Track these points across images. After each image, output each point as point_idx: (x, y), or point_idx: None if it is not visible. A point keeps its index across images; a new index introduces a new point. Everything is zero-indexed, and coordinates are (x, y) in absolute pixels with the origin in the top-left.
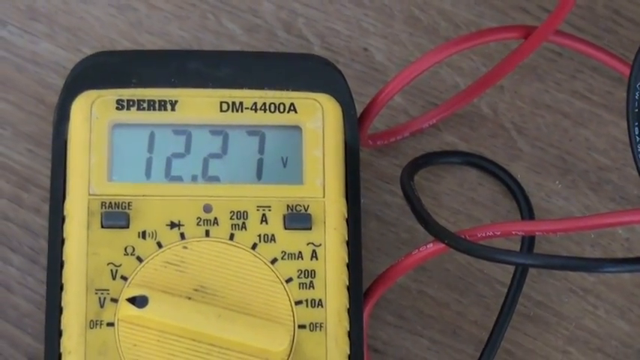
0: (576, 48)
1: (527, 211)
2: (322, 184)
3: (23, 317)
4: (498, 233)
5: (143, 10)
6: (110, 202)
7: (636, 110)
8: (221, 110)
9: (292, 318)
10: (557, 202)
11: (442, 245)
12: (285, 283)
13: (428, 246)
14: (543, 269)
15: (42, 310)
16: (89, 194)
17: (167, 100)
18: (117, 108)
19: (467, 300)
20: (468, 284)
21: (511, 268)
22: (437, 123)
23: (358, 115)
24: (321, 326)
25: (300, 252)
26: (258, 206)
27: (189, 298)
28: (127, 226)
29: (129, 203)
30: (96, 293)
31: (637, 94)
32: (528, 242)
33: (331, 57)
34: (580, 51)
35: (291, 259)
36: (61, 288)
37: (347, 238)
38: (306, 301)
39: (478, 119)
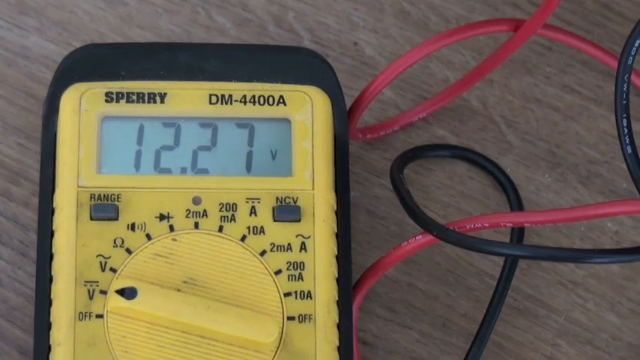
0: (566, 42)
1: (516, 204)
2: (311, 177)
3: (13, 310)
4: (487, 225)
5: (133, 4)
6: (99, 194)
7: (624, 102)
8: (210, 103)
9: (281, 310)
10: (546, 195)
11: (431, 237)
12: (274, 275)
13: (417, 238)
14: (533, 261)
15: (32, 303)
16: (78, 186)
17: (156, 92)
18: (106, 100)
19: (456, 293)
20: (457, 277)
21: (500, 261)
22: (427, 116)
23: (348, 108)
24: (310, 318)
25: (289, 244)
26: (247, 198)
27: (179, 290)
28: (116, 218)
29: (118, 195)
30: (85, 285)
31: (625, 85)
32: (518, 234)
33: (321, 51)
34: (570, 45)
35: (281, 251)
36: (51, 280)
37: (336, 230)
38: (295, 292)
39: (468, 113)
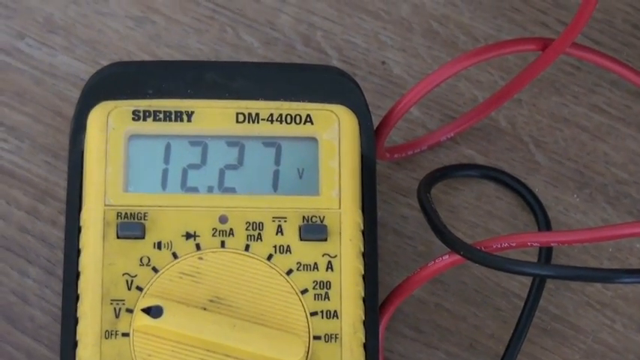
0: (594, 61)
1: (544, 224)
2: (338, 196)
3: (39, 329)
4: (514, 244)
5: (162, 22)
6: (126, 213)
7: None
8: (237, 121)
9: (307, 329)
10: (574, 215)
11: (458, 257)
12: (300, 294)
13: (444, 257)
14: (560, 282)
15: (58, 321)
16: (105, 205)
17: (183, 111)
18: (133, 119)
19: (483, 313)
20: (484, 297)
21: (528, 282)
22: (455, 136)
23: (375, 127)
24: (336, 337)
25: (315, 263)
26: (273, 217)
27: (205, 309)
28: (143, 237)
29: (144, 214)
30: (111, 303)
31: None
32: (545, 255)
33: (349, 70)
34: (598, 64)
35: (307, 270)
36: (77, 298)
37: (363, 250)
38: (322, 312)
39: (496, 132)
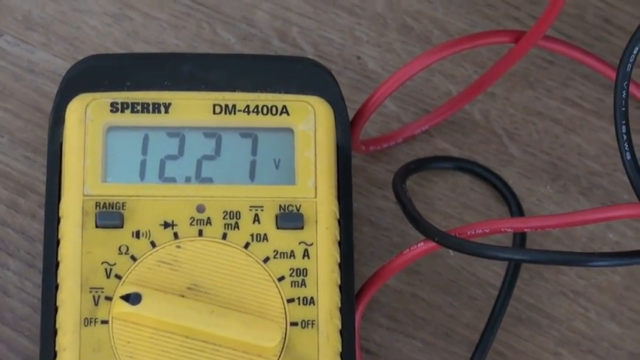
0: (567, 53)
1: (518, 215)
2: (314, 185)
3: (20, 320)
4: (487, 231)
5: (139, 19)
6: (104, 203)
7: (623, 109)
8: (214, 113)
9: (284, 315)
10: (548, 206)
11: (432, 244)
12: (277, 282)
13: (418, 245)
14: (534, 272)
15: (38, 313)
16: (84, 195)
17: (161, 102)
18: (111, 111)
19: (459, 303)
20: (460, 287)
21: (503, 272)
22: (429, 129)
23: (350, 119)
24: (312, 324)
25: (292, 251)
26: (250, 206)
27: (183, 296)
28: (121, 226)
29: (123, 203)
30: (90, 292)
31: (623, 93)
32: (519, 241)
33: (325, 65)
34: (571, 57)
35: (284, 257)
36: (57, 287)
37: (339, 238)
38: (298, 299)
39: (470, 126)
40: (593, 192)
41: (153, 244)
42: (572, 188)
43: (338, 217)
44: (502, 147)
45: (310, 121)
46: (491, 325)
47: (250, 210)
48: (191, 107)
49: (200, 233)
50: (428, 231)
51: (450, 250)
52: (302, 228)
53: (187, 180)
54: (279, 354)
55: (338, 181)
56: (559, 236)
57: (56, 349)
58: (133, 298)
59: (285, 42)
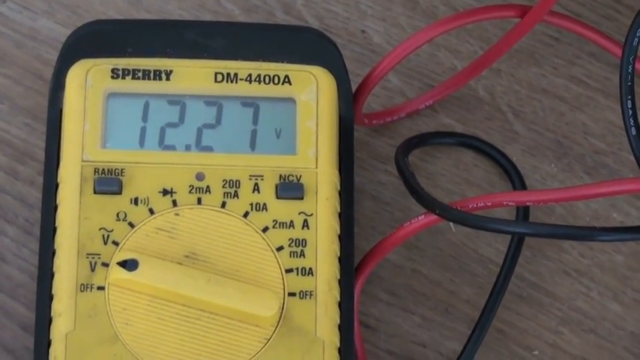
0: (574, 30)
1: None
2: (315, 155)
3: (17, 287)
4: (489, 204)
5: None
6: (103, 169)
7: (629, 84)
8: (216, 81)
9: (282, 285)
10: (552, 184)
11: (434, 217)
12: (275, 251)
13: (420, 217)
14: (537, 249)
15: (35, 280)
16: (82, 160)
17: (162, 69)
18: (112, 77)
19: (460, 279)
20: (461, 264)
21: (504, 249)
22: (433, 104)
23: (353, 91)
24: (311, 294)
25: (291, 221)
26: (250, 175)
27: (180, 264)
28: (120, 192)
29: (122, 170)
30: (87, 257)
31: (630, 67)
32: (522, 216)
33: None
34: (578, 33)
35: (283, 227)
36: (54, 253)
37: (339, 210)
38: (297, 269)
39: (475, 102)
40: (598, 171)
41: (151, 211)
42: (577, 167)
43: (339, 188)
44: (507, 124)
45: (312, 91)
46: (492, 302)
47: (250, 179)
48: (192, 75)
49: (199, 201)
50: (429, 203)
51: (452, 226)
52: (302, 198)
53: (187, 148)
54: (276, 324)
55: (340, 152)
56: (562, 214)
57: (52, 315)
58: (130, 265)
59: (290, 14)
